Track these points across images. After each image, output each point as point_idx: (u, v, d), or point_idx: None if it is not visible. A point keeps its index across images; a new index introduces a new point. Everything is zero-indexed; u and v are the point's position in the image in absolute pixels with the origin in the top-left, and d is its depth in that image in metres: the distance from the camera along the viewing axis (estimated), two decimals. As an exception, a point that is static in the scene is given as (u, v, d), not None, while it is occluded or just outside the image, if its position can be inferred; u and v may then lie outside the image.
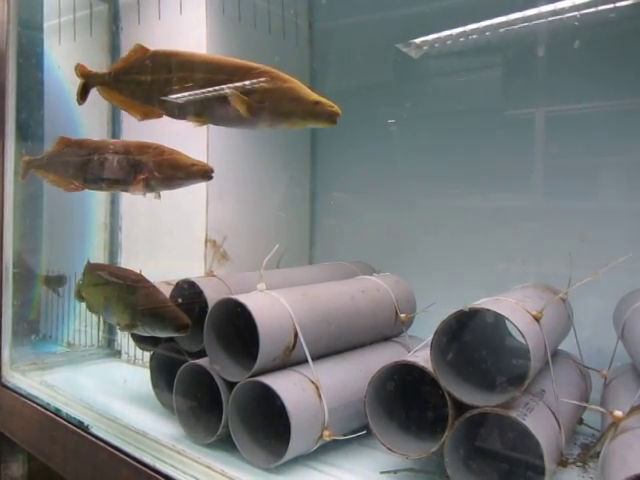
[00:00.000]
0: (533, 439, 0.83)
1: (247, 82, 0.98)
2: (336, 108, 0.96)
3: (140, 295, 1.18)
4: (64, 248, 1.88)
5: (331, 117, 0.96)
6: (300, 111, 0.97)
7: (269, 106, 0.97)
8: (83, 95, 1.14)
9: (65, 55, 1.85)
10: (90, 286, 1.30)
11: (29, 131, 1.69)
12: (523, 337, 0.85)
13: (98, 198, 1.82)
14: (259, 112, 0.97)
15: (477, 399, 0.89)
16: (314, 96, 0.97)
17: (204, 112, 1.03)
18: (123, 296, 1.20)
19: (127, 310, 1.17)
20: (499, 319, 1.03)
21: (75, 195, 1.29)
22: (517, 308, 0.95)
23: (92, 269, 1.32)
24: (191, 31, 1.50)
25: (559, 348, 1.19)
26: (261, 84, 0.97)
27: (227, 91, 0.98)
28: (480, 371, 0.99)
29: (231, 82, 0.99)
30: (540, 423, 0.88)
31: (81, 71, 1.13)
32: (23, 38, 1.67)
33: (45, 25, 1.89)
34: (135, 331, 1.17)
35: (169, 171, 1.10)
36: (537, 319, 0.95)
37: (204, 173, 1.11)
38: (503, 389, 0.90)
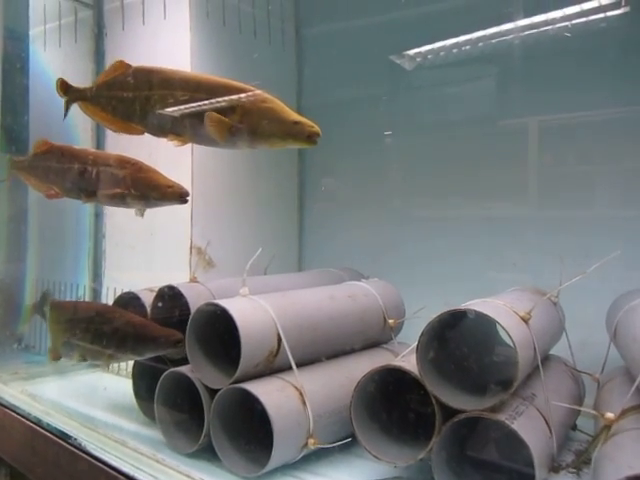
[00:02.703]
0: (522, 443, 0.80)
1: (227, 101, 0.97)
2: (316, 128, 0.95)
3: (119, 324, 1.16)
4: (49, 256, 1.85)
5: (310, 137, 0.96)
6: (279, 132, 0.96)
7: (248, 126, 0.96)
8: (65, 109, 1.13)
9: (50, 61, 1.83)
10: (56, 325, 1.28)
11: (14, 136, 1.68)
12: (510, 338, 0.83)
13: (84, 206, 1.80)
14: (238, 132, 0.96)
15: (464, 403, 0.86)
16: (294, 116, 0.96)
17: (184, 131, 1.02)
18: (100, 329, 1.18)
19: (108, 342, 1.16)
20: (488, 321, 1.01)
21: (60, 203, 1.27)
22: (505, 309, 0.93)
23: (57, 308, 1.30)
24: (175, 36, 1.49)
25: (551, 352, 1.17)
26: (241, 104, 0.96)
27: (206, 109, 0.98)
28: (467, 374, 0.97)
29: (210, 101, 0.98)
30: (530, 427, 0.85)
31: (62, 86, 1.12)
32: (8, 45, 1.66)
33: (31, 32, 1.88)
34: (119, 360, 1.15)
35: (144, 189, 1.10)
36: (525, 320, 0.93)
37: (179, 196, 1.11)
38: (491, 392, 0.87)
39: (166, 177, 1.11)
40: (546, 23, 1.33)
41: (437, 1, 1.48)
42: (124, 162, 1.13)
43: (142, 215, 1.16)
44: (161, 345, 1.11)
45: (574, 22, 1.30)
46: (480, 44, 1.44)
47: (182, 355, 1.11)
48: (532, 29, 1.35)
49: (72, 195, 1.21)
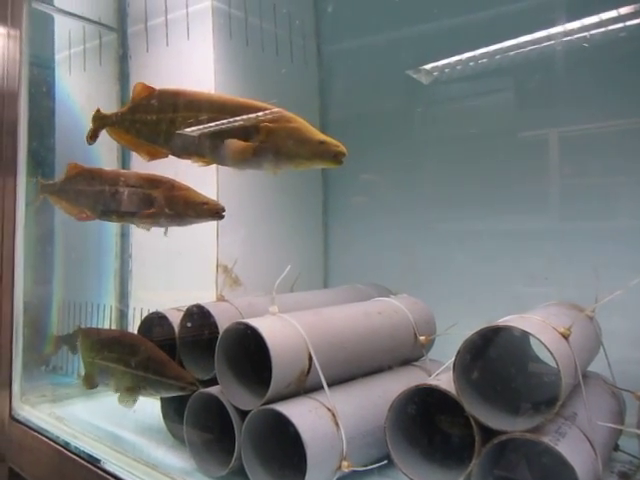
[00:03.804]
0: (568, 466, 0.77)
1: (251, 122, 0.97)
2: (342, 148, 0.94)
3: (141, 357, 1.15)
4: (75, 277, 1.86)
5: (336, 157, 0.95)
6: (305, 152, 0.95)
7: (273, 147, 0.95)
8: (93, 136, 1.14)
9: (75, 84, 1.86)
10: (88, 353, 1.28)
11: (40, 159, 1.70)
12: (552, 356, 0.80)
13: (109, 226, 1.81)
14: (263, 153, 0.95)
15: (505, 424, 0.83)
16: (319, 136, 0.96)
17: (208, 152, 1.02)
18: (123, 359, 1.18)
19: (127, 374, 1.15)
20: (523, 338, 0.98)
21: (87, 224, 1.28)
22: (544, 326, 0.89)
23: (86, 335, 1.30)
24: (199, 56, 1.50)
25: (588, 369, 1.13)
26: (265, 124, 0.95)
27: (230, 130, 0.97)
28: (506, 394, 0.93)
29: (235, 122, 0.98)
30: (575, 449, 0.81)
31: (95, 115, 1.13)
32: (35, 71, 1.69)
33: (56, 56, 1.92)
34: (137, 394, 1.15)
35: (179, 208, 1.09)
36: (565, 337, 0.89)
37: (215, 212, 1.10)
38: (532, 412, 0.84)
39: (200, 194, 1.10)
40: (564, 34, 1.32)
41: (454, 16, 1.48)
42: (156, 181, 1.13)
43: (165, 234, 1.15)
44: (171, 386, 1.10)
45: (592, 32, 1.28)
46: (497, 57, 1.44)
47: (211, 376, 1.10)
48: (550, 40, 1.34)
49: (104, 217, 1.21)
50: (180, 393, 1.10)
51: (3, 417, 1.53)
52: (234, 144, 0.95)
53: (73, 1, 1.86)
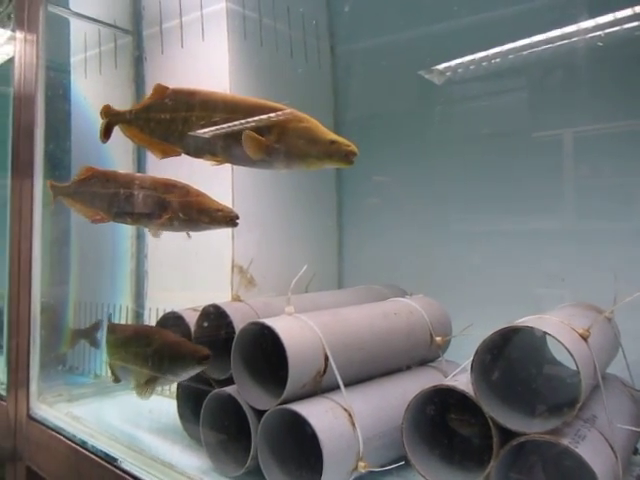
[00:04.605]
0: (588, 470, 0.76)
1: (263, 122, 0.97)
2: (353, 147, 0.95)
3: (156, 345, 1.16)
4: (92, 278, 1.88)
5: (347, 157, 0.95)
6: (316, 152, 0.95)
7: (285, 146, 0.95)
8: (106, 133, 1.14)
9: (91, 87, 1.88)
10: (112, 349, 1.30)
11: (56, 162, 1.71)
12: (572, 356, 0.79)
13: (124, 227, 1.83)
14: (275, 152, 0.96)
15: (524, 425, 0.82)
16: (330, 135, 0.96)
17: (221, 151, 1.02)
18: (141, 352, 1.19)
19: (144, 364, 1.16)
20: (541, 339, 0.98)
21: (102, 226, 1.29)
22: (563, 326, 0.89)
23: (112, 331, 1.32)
24: (214, 57, 1.50)
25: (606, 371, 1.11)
26: (277, 124, 0.96)
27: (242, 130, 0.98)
28: (525, 395, 0.92)
29: (248, 122, 0.99)
30: (595, 452, 0.80)
31: (105, 110, 1.14)
32: (51, 74, 1.71)
33: (72, 60, 1.93)
34: (155, 385, 1.15)
35: (194, 214, 1.09)
36: (584, 338, 0.88)
37: (229, 220, 1.10)
38: (551, 414, 0.83)
39: (214, 200, 1.10)
40: (577, 33, 1.30)
41: (467, 15, 1.47)
42: (171, 186, 1.13)
43: (189, 236, 1.16)
44: (187, 362, 1.10)
45: (607, 31, 1.26)
46: (511, 56, 1.43)
47: (227, 375, 1.10)
48: (563, 39, 1.33)
49: (118, 220, 1.22)
50: (197, 369, 1.09)
51: (21, 416, 1.55)
52: (249, 135, 0.95)
53: (89, 4, 1.87)
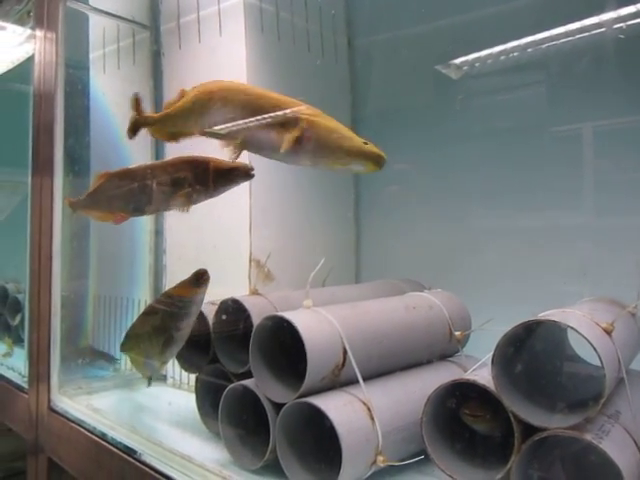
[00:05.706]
0: (613, 465, 0.74)
1: (289, 115, 0.97)
2: (383, 154, 0.96)
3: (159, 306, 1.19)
4: (111, 272, 1.89)
5: (378, 160, 0.96)
6: (348, 147, 0.95)
7: (315, 138, 0.95)
8: (134, 132, 1.16)
9: (109, 83, 1.89)
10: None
11: (76, 157, 1.73)
12: (596, 351, 0.78)
13: (142, 222, 1.84)
14: (304, 144, 0.96)
15: (546, 420, 0.81)
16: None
17: (246, 144, 1.03)
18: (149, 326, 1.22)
19: (157, 338, 1.17)
20: (562, 333, 0.96)
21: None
22: (585, 320, 0.87)
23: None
24: (231, 52, 1.50)
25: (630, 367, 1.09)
26: (306, 116, 0.96)
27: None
28: (547, 389, 0.91)
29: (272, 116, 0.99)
30: (619, 448, 0.79)
31: (135, 104, 1.15)
32: (70, 70, 1.72)
33: (91, 56, 1.95)
34: (167, 355, 1.16)
35: (209, 181, 1.08)
36: (608, 332, 0.87)
37: (245, 174, 1.09)
38: (574, 409, 0.82)
39: (224, 161, 1.09)
40: (598, 25, 1.28)
41: (484, 7, 1.45)
42: (180, 162, 1.13)
43: (187, 210, 1.15)
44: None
45: (629, 23, 1.23)
46: (529, 50, 1.41)
47: (245, 369, 1.10)
48: (583, 32, 1.30)
49: (137, 214, 1.22)
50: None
51: (42, 409, 1.57)
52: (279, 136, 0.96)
53: (107, 0, 1.89)
